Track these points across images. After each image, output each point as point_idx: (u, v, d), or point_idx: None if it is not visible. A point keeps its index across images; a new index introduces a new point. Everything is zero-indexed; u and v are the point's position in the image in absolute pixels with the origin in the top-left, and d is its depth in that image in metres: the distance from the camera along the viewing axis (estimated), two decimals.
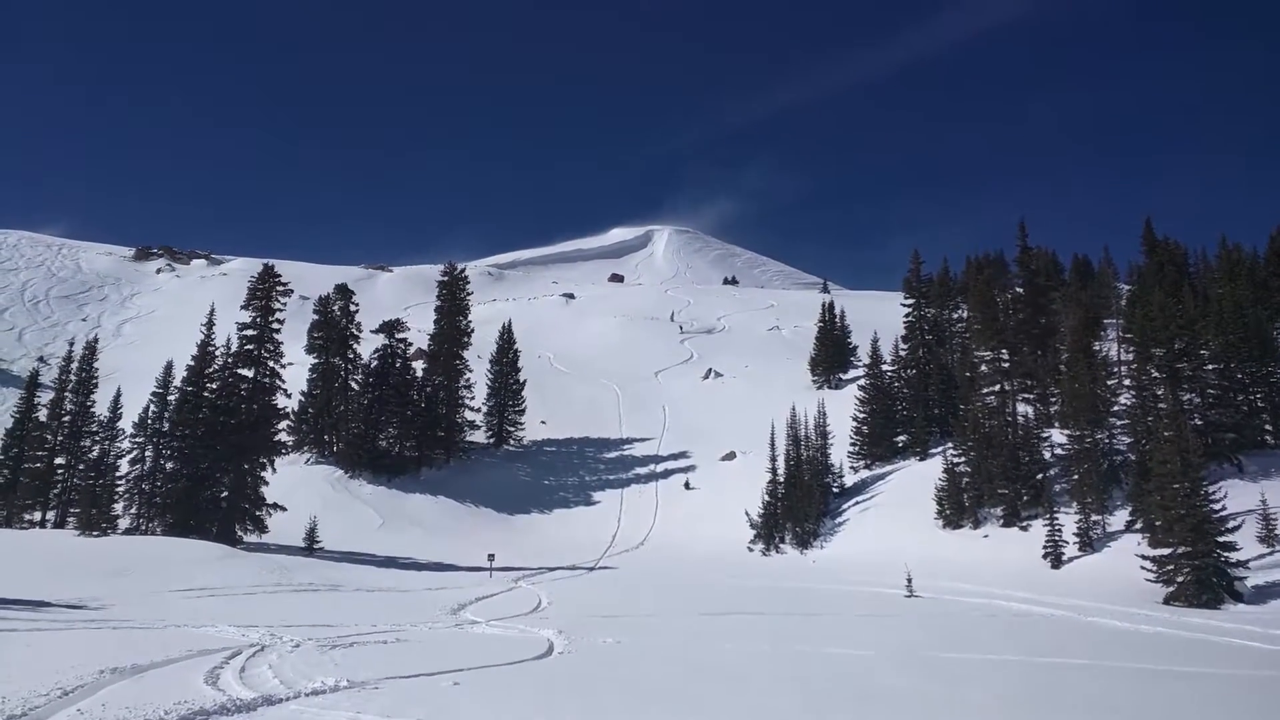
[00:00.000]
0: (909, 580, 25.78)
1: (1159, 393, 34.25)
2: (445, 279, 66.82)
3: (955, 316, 57.98)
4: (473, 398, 62.12)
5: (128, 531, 40.39)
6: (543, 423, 65.32)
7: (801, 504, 43.39)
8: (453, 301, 65.05)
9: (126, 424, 45.25)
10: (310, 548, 37.53)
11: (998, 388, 43.14)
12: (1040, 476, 36.14)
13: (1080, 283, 59.02)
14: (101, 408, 47.48)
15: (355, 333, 61.15)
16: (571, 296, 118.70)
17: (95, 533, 38.59)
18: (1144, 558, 25.13)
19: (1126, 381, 40.37)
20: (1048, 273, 56.42)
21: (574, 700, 11.18)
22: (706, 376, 77.88)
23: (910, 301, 56.64)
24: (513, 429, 62.99)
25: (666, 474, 57.49)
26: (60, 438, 47.45)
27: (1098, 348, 44.37)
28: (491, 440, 62.57)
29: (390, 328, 60.71)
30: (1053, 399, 42.26)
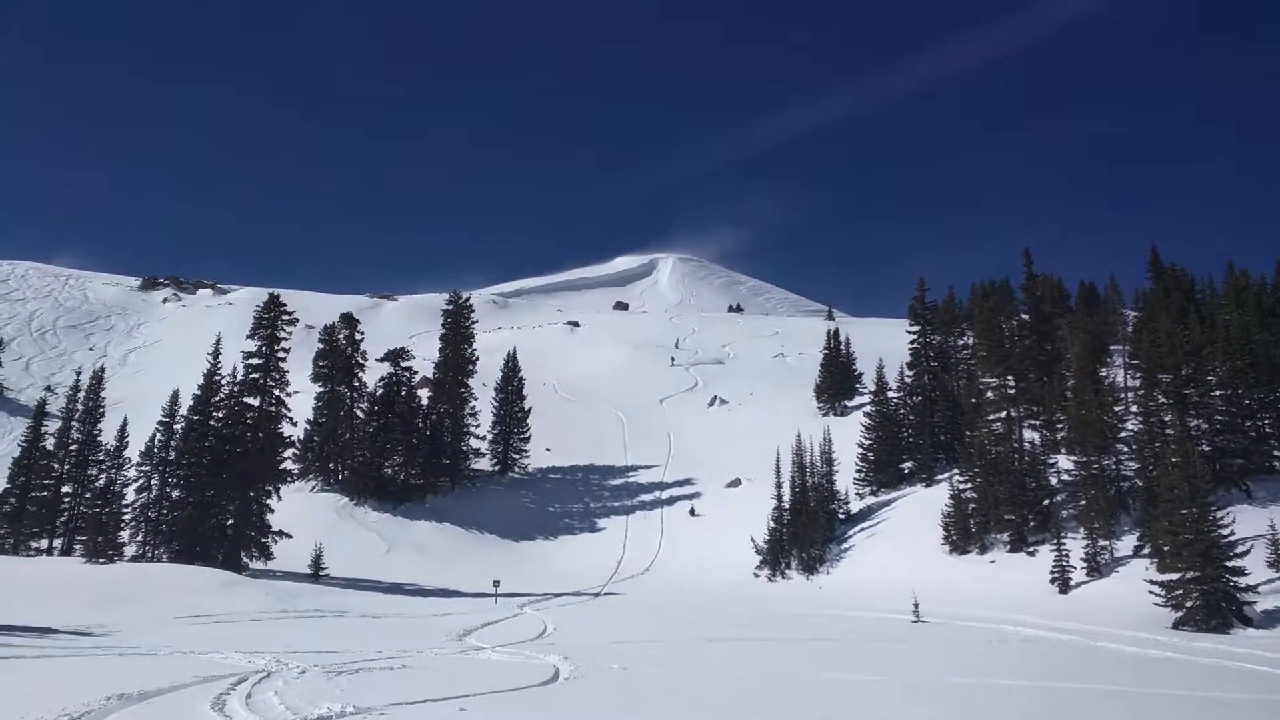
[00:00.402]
0: (916, 606, 25.63)
1: (1166, 419, 34.16)
2: (450, 307, 67.10)
3: (961, 343, 58.02)
4: (478, 425, 62.16)
5: (134, 559, 40.33)
6: (548, 450, 65.29)
7: (807, 530, 43.24)
8: (457, 330, 65.27)
9: (133, 452, 45.32)
10: (316, 574, 37.45)
11: (1004, 414, 43.11)
12: (1047, 502, 36.01)
13: (1086, 309, 59.14)
14: (108, 436, 47.55)
15: (360, 361, 61.34)
16: (576, 324, 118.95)
17: (102, 560, 38.56)
18: (1152, 583, 24.99)
19: (1133, 408, 40.29)
20: (1053, 299, 56.48)
21: None
22: (711, 404, 77.88)
23: (915, 328, 56.72)
24: (518, 456, 62.97)
25: (671, 501, 57.36)
26: (67, 466, 47.51)
27: (1104, 374, 44.37)
28: (496, 468, 62.53)
29: (395, 356, 60.90)
30: (1059, 425, 42.17)
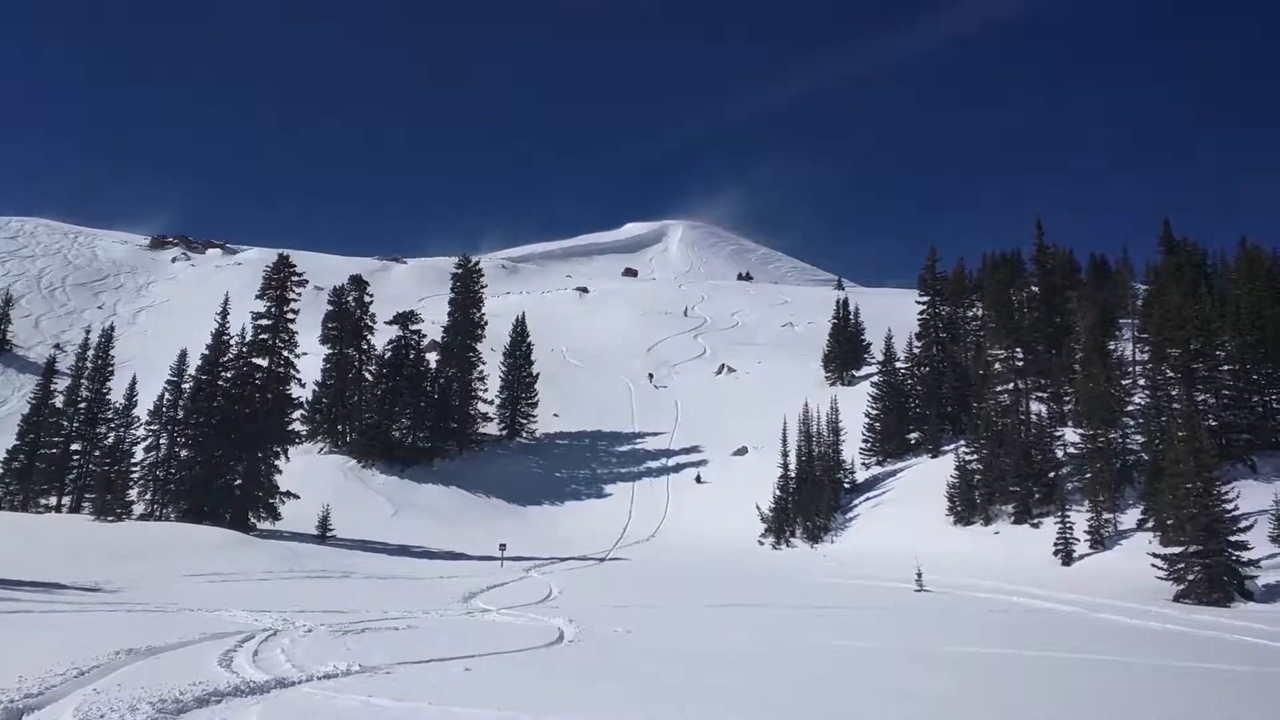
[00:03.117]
0: (919, 575, 25.75)
1: (1174, 393, 34.06)
2: (459, 271, 67.04)
3: (970, 314, 57.76)
4: (486, 390, 62.34)
5: (142, 517, 40.76)
6: (555, 416, 65.50)
7: (813, 499, 43.41)
8: (466, 294, 65.25)
9: (142, 411, 45.64)
10: (323, 535, 37.78)
11: (1011, 386, 43.01)
12: (1052, 475, 36.04)
13: (1096, 282, 58.70)
14: (117, 395, 47.88)
15: (369, 324, 61.43)
16: (585, 290, 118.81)
17: (110, 518, 38.95)
18: (1155, 556, 25.04)
19: (1141, 381, 40.17)
20: (1064, 271, 56.06)
21: (583, 687, 11.25)
22: (720, 372, 77.90)
23: (925, 299, 56.47)
24: (525, 421, 63.21)
25: (678, 468, 57.59)
26: (76, 424, 47.88)
27: (1113, 347, 44.15)
28: (504, 432, 62.79)
29: (404, 319, 60.94)
30: (1066, 398, 42.08)
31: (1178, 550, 24.66)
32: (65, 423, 47.85)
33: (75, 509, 44.90)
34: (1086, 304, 50.76)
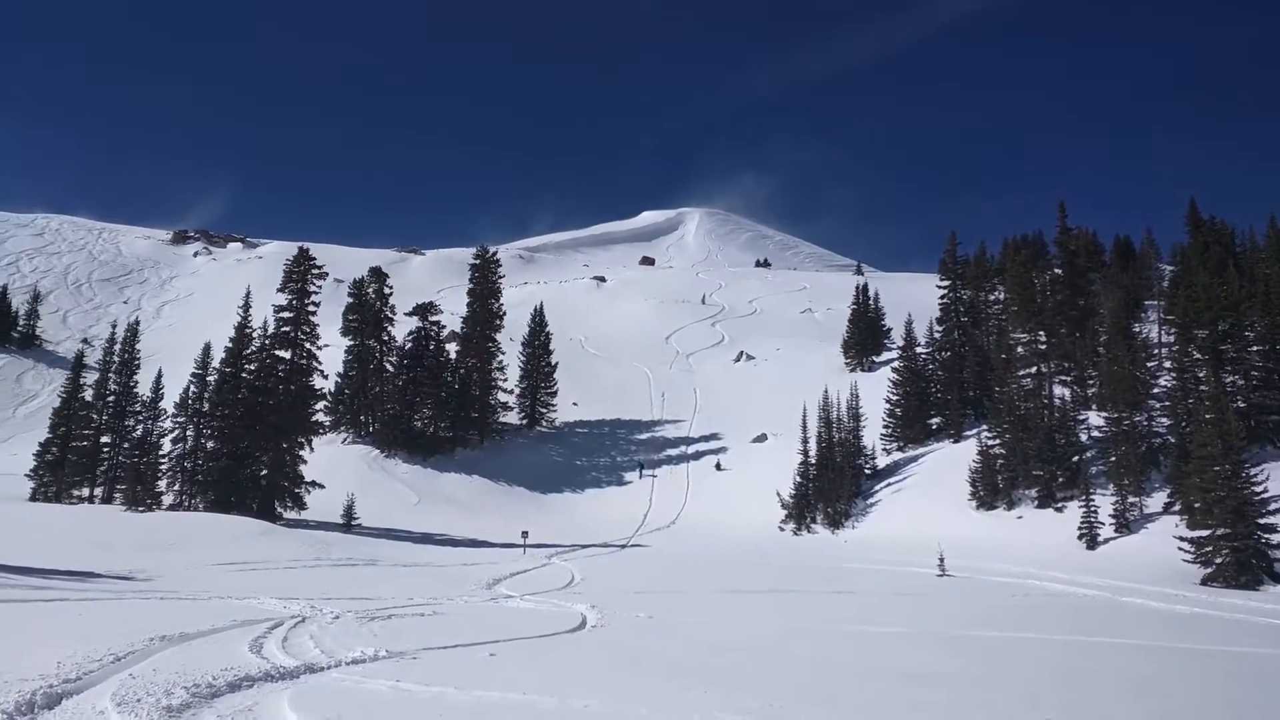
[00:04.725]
0: (941, 560, 25.70)
1: (1201, 375, 33.66)
2: (477, 262, 67.18)
3: (992, 298, 57.28)
4: (505, 380, 62.60)
5: (171, 507, 41.32)
6: (575, 404, 65.68)
7: (833, 485, 43.33)
8: (485, 284, 65.42)
9: (168, 404, 46.20)
10: (348, 524, 38.16)
11: (1034, 370, 42.67)
12: (1076, 458, 35.76)
13: (1121, 263, 58.04)
14: (144, 388, 48.45)
15: (389, 315, 61.77)
16: (602, 279, 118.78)
17: (141, 508, 39.54)
18: (1182, 539, 24.84)
19: (1167, 364, 39.73)
20: (1088, 253, 55.45)
21: (606, 672, 11.36)
22: (738, 359, 77.77)
23: (946, 283, 56.06)
24: (545, 410, 63.43)
25: (698, 455, 57.62)
26: (105, 417, 48.53)
27: (1138, 329, 43.71)
28: (524, 421, 63.06)
29: (423, 310, 61.22)
30: (1090, 381, 41.72)
31: (1205, 533, 24.45)
32: (95, 416, 48.51)
33: (107, 500, 45.57)
34: (1111, 286, 50.28)
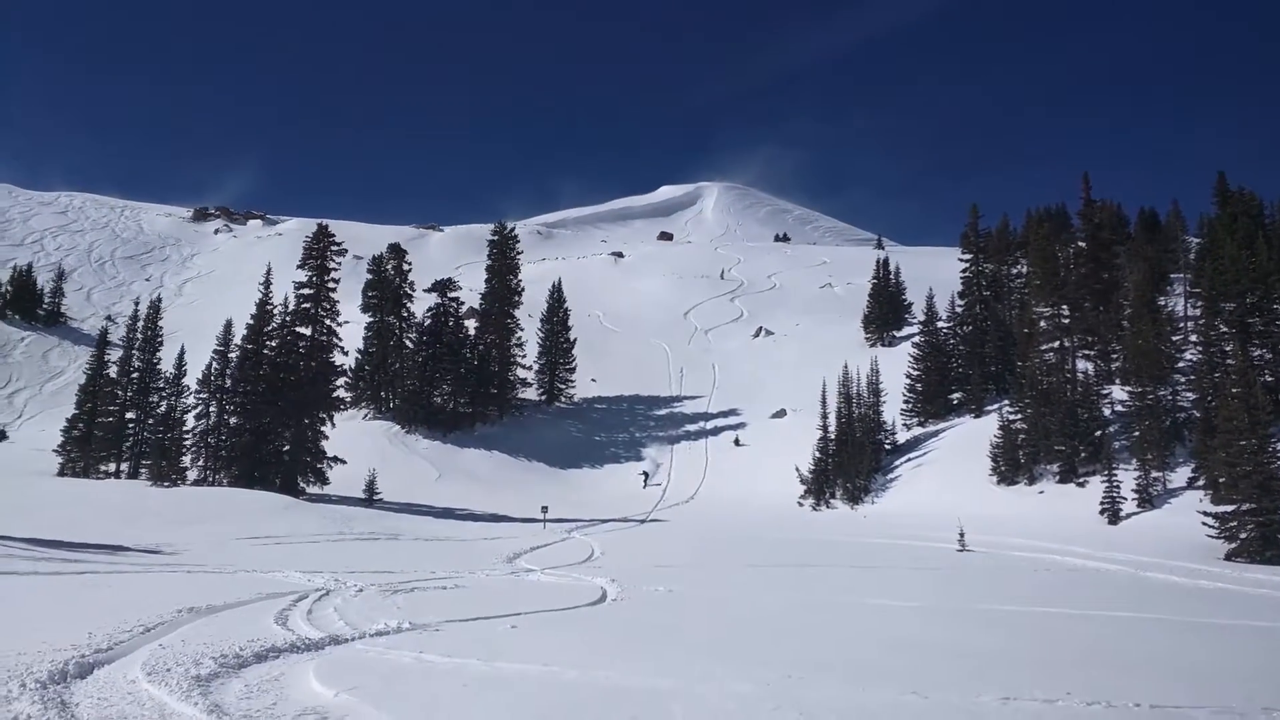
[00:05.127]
0: (961, 535, 25.62)
1: (1227, 348, 33.27)
2: (495, 238, 67.20)
3: (1014, 272, 56.76)
4: (524, 356, 62.77)
5: (196, 482, 41.85)
6: (593, 380, 65.80)
7: (852, 460, 43.27)
8: (503, 260, 65.46)
9: (191, 380, 46.70)
10: (370, 499, 38.52)
11: (1057, 344, 42.34)
12: (1099, 433, 35.52)
13: (1146, 236, 57.21)
14: (167, 364, 49.01)
15: (409, 292, 62.00)
16: (621, 255, 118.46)
17: (166, 483, 40.10)
18: (1206, 514, 24.65)
19: (1193, 337, 39.29)
20: (1112, 226, 54.70)
21: (627, 645, 11.43)
22: (757, 335, 77.56)
23: (968, 257, 55.62)
24: (564, 386, 63.60)
25: (716, 431, 57.66)
26: (130, 393, 49.14)
27: (1163, 303, 43.21)
28: (543, 397, 63.28)
29: (442, 287, 61.38)
30: (1114, 355, 41.32)
31: (1230, 508, 24.25)
32: (120, 392, 49.13)
33: (133, 475, 46.23)
34: (1136, 259, 49.65)
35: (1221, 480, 26.17)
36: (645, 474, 45.08)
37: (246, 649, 9.91)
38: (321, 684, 8.51)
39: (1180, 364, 36.65)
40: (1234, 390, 26.91)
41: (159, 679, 8.51)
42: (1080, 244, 48.64)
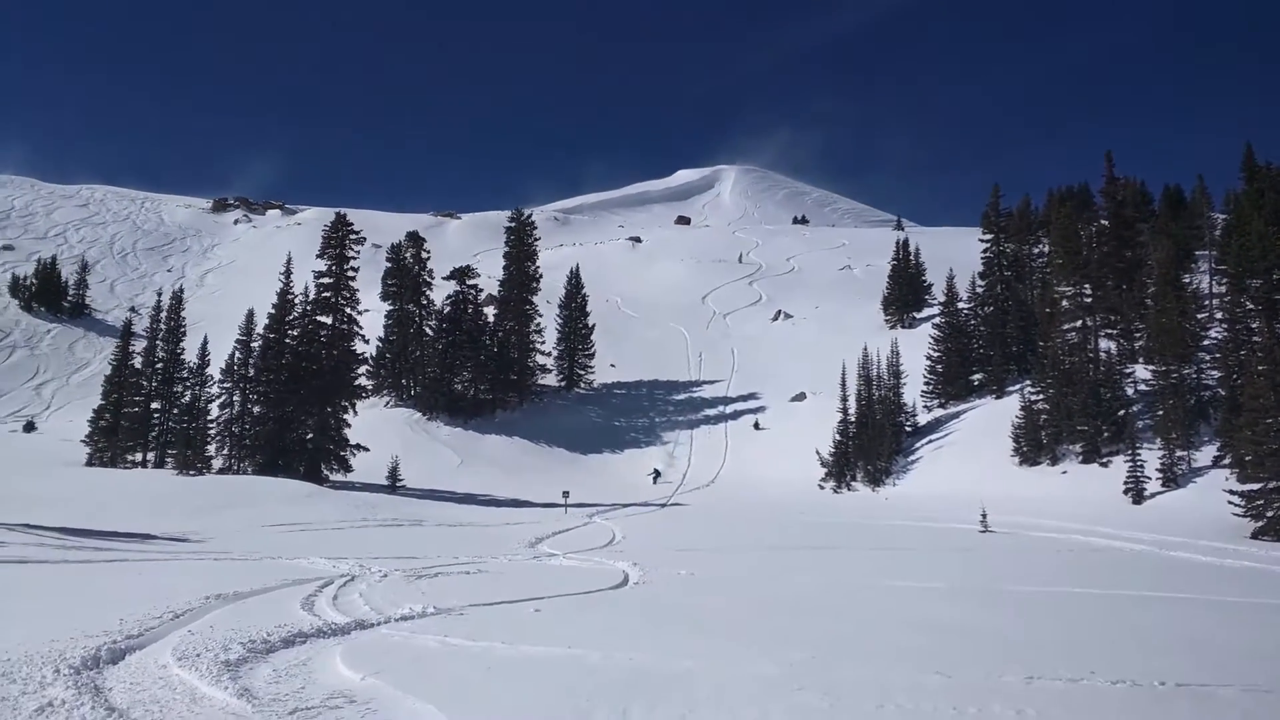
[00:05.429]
0: (984, 516, 25.53)
1: (1254, 325, 32.85)
2: (513, 225, 67.25)
3: (1036, 251, 56.25)
4: (543, 342, 62.93)
5: (221, 471, 42.33)
6: (612, 365, 65.88)
7: (873, 442, 43.15)
8: (521, 247, 65.53)
9: (215, 370, 47.12)
10: (393, 486, 38.83)
11: (1079, 323, 41.97)
12: (1122, 413, 35.24)
13: (1171, 213, 56.44)
14: (190, 354, 49.46)
15: (428, 280, 62.22)
16: (638, 240, 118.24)
17: (192, 472, 40.57)
18: (1232, 493, 24.44)
19: (1218, 315, 38.80)
20: (1135, 204, 54.05)
21: (649, 627, 11.48)
22: (776, 318, 77.32)
23: (989, 237, 55.16)
24: (583, 372, 63.73)
25: (736, 415, 57.63)
26: (154, 383, 49.67)
27: (1187, 280, 42.69)
28: (563, 383, 63.44)
29: (461, 274, 61.57)
30: (1137, 334, 40.92)
31: (1256, 486, 24.02)
32: (144, 383, 49.65)
33: (159, 464, 46.79)
34: (1160, 236, 49.01)
35: (1247, 458, 25.88)
36: (657, 471, 44.54)
37: (274, 634, 10.04)
38: (348, 668, 8.62)
39: (1205, 342, 36.23)
40: (1260, 368, 26.59)
41: (189, 664, 8.64)
42: (1103, 222, 48.10)
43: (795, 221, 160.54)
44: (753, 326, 75.82)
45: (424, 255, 62.29)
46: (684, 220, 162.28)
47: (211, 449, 44.02)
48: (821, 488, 43.68)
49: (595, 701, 7.55)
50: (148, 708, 7.42)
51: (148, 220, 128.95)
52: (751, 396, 59.92)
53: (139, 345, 52.37)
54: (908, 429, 45.98)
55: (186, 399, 47.30)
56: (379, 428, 50.22)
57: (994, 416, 41.87)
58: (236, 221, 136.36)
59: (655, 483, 44.72)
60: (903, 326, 66.49)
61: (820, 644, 10.17)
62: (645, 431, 56.97)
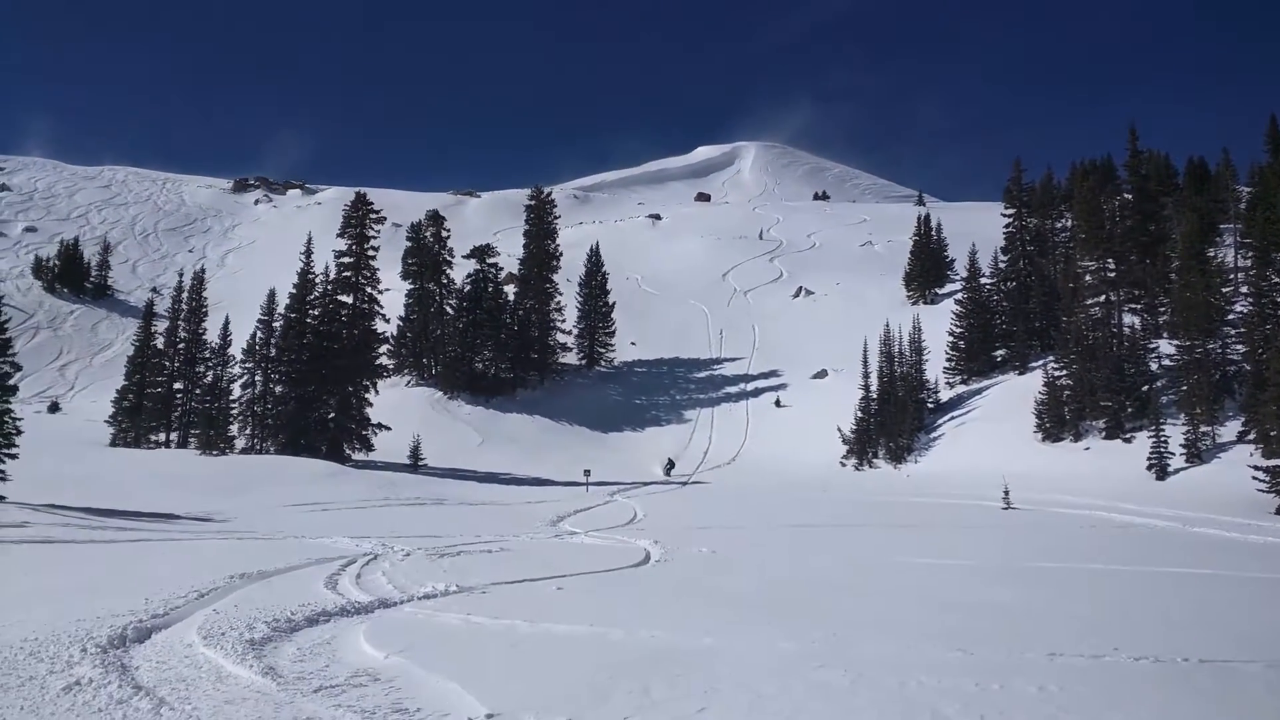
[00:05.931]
0: (1006, 492, 25.40)
1: (1279, 299, 32.35)
2: (532, 203, 67.12)
3: (1059, 226, 55.54)
4: (564, 320, 62.96)
5: (244, 451, 42.74)
6: (633, 344, 65.86)
7: (895, 419, 42.97)
8: (540, 225, 65.43)
9: (236, 350, 47.47)
10: (415, 465, 39.10)
11: (1103, 298, 41.49)
12: (1146, 388, 34.88)
13: (1195, 186, 55.51)
14: (212, 334, 49.81)
15: (448, 258, 62.25)
16: (658, 217, 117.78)
17: (215, 452, 40.99)
18: (1257, 469, 24.17)
19: (1243, 289, 38.23)
20: (1159, 177, 53.21)
21: (671, 605, 11.52)
22: (797, 295, 76.93)
23: (1011, 211, 54.50)
24: (603, 350, 63.75)
25: (757, 392, 57.52)
26: (177, 364, 50.08)
27: (1212, 254, 42.04)
28: (583, 361, 63.51)
29: (481, 253, 61.58)
30: (1161, 309, 40.41)
31: None
32: (167, 363, 50.08)
33: (182, 444, 47.28)
34: (1184, 210, 48.26)
35: (1273, 434, 25.61)
36: (671, 462, 43.50)
37: (298, 613, 10.14)
38: (372, 646, 8.69)
39: (1230, 316, 35.72)
40: None
41: (214, 643, 8.75)
42: (1126, 196, 47.41)
43: (816, 197, 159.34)
44: (773, 304, 75.50)
45: (444, 234, 62.31)
46: (704, 197, 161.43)
47: (234, 429, 44.41)
48: (843, 465, 43.60)
49: (617, 679, 7.58)
50: (174, 686, 7.52)
51: (169, 201, 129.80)
52: (772, 374, 59.77)
53: (161, 326, 52.74)
54: (930, 406, 45.74)
55: (209, 379, 47.69)
56: (400, 407, 50.49)
57: (1016, 393, 41.57)
58: (257, 202, 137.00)
59: (669, 474, 43.40)
60: (925, 302, 66.00)
61: (841, 621, 10.16)
62: (666, 409, 57.00)
